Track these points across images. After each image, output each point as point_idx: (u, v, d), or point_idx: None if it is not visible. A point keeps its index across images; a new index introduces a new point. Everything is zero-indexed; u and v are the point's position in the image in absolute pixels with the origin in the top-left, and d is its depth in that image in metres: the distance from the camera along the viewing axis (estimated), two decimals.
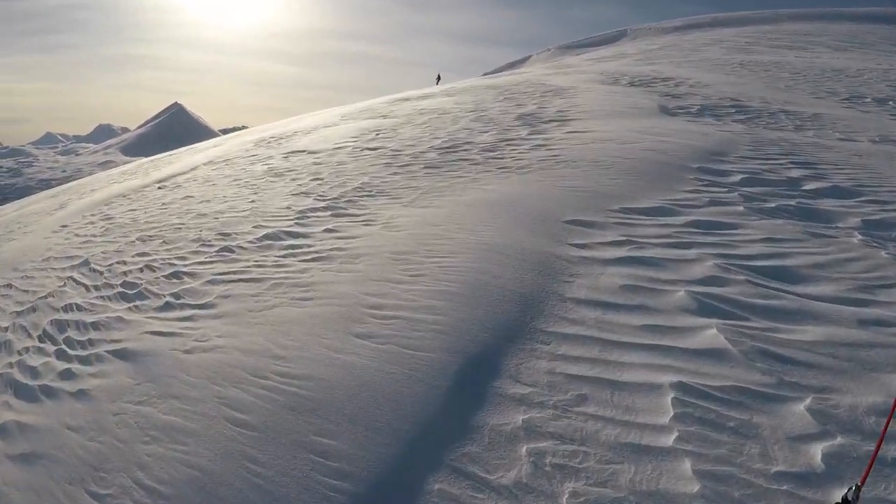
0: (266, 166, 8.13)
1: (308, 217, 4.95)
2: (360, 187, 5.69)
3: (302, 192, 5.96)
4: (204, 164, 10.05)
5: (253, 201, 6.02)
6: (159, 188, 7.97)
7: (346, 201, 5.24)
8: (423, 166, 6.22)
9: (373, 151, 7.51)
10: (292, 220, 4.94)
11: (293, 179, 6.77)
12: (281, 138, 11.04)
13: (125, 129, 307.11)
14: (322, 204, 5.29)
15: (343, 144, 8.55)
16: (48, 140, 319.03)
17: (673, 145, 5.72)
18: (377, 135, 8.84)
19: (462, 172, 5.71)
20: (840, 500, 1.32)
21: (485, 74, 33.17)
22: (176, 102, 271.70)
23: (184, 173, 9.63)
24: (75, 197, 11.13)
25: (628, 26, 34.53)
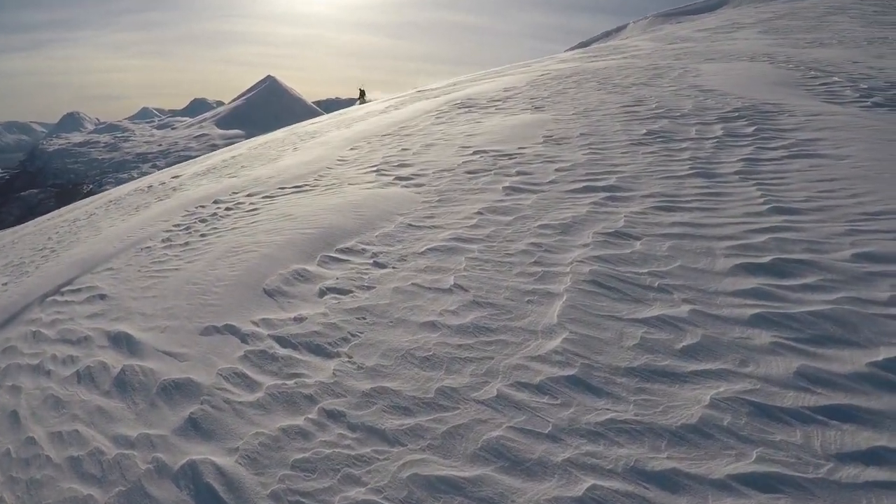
0: None
1: None
2: None
3: None
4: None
5: None
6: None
7: None
8: None
9: None
10: None
11: None
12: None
13: (220, 103, 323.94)
14: None
15: None
16: (144, 115, 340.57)
17: None
18: None
19: None
20: None
21: (580, 45, 27.68)
22: (269, 76, 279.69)
23: None
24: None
25: None
